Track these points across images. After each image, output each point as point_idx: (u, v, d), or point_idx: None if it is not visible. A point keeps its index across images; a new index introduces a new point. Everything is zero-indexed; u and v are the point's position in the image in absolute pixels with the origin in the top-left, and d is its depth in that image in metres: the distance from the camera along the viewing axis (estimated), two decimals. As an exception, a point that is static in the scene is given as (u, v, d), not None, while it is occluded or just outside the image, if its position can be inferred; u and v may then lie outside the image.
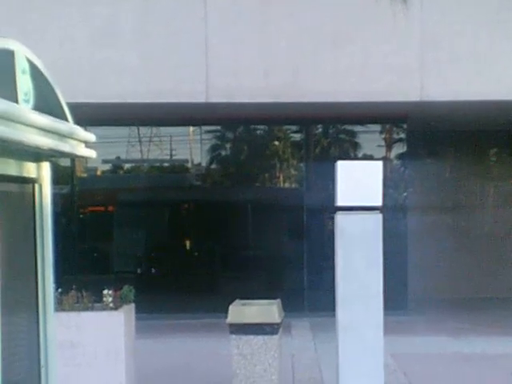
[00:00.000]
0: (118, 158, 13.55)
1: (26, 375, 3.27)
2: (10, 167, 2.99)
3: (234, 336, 7.14)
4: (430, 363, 8.80)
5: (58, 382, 3.45)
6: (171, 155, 13.55)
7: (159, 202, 12.91)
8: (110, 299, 7.23)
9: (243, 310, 7.20)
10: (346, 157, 12.05)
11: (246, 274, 12.42)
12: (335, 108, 11.09)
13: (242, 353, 7.11)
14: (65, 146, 3.25)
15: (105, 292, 7.25)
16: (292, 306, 8.88)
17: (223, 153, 13.64)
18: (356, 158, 12.69)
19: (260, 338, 7.10)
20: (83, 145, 3.48)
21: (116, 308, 7.21)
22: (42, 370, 3.33)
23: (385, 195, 7.06)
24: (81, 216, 13.03)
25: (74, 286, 7.27)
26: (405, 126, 12.88)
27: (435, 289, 13.69)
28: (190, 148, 13.34)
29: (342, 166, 7.09)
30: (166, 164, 13.91)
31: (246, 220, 12.94)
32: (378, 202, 6.98)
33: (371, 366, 6.94)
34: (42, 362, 3.33)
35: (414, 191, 13.23)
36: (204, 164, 13.40)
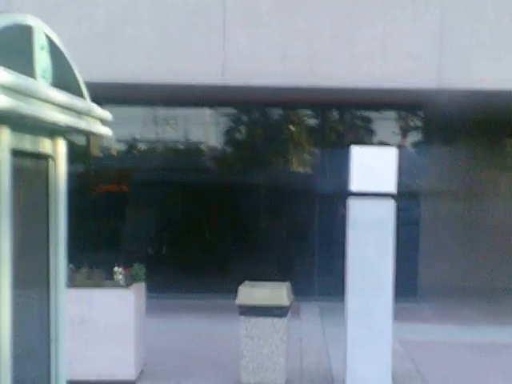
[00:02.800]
0: (133, 137, 13.57)
1: (36, 348, 3.31)
2: (26, 142, 3.00)
3: (242, 317, 7.18)
4: (438, 351, 8.82)
5: (68, 356, 3.48)
6: (186, 136, 13.56)
7: (172, 182, 12.93)
8: (121, 277, 7.29)
9: (253, 292, 7.24)
10: (361, 143, 11.99)
11: (256, 257, 12.44)
12: (351, 93, 11.04)
13: (250, 334, 7.16)
14: (81, 123, 3.25)
15: (116, 270, 7.30)
16: (302, 289, 8.92)
17: (238, 135, 13.63)
18: (371, 144, 12.64)
19: (269, 320, 7.14)
20: (99, 122, 3.49)
21: (127, 286, 7.26)
22: (52, 344, 3.36)
23: (398, 182, 7.04)
24: (94, 194, 13.08)
25: (85, 263, 7.33)
26: (421, 113, 12.81)
27: (446, 277, 13.67)
28: (205, 130, 13.35)
29: (356, 151, 7.08)
30: (180, 145, 13.91)
31: (259, 203, 12.96)
32: (392, 189, 6.97)
33: (379, 352, 6.97)
34: (52, 336, 3.36)
35: (428, 179, 13.16)
36: (218, 146, 13.41)
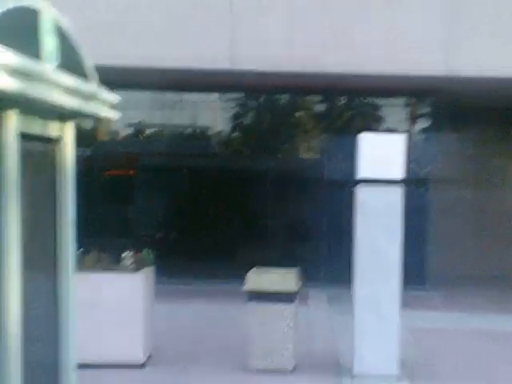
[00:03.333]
0: (141, 122, 13.57)
1: (45, 332, 3.33)
2: (35, 126, 3.01)
3: (251, 303, 7.20)
4: (446, 338, 8.82)
5: (77, 339, 3.50)
6: (193, 121, 13.55)
7: (180, 167, 12.93)
8: (130, 261, 7.31)
9: (261, 278, 7.25)
10: (370, 129, 11.95)
11: (264, 243, 12.46)
12: (360, 80, 10.99)
13: (258, 320, 7.18)
14: (88, 107, 3.26)
15: (124, 254, 7.32)
16: (310, 276, 8.90)
17: (245, 121, 13.61)
18: (379, 131, 12.58)
19: (276, 306, 7.15)
20: (107, 106, 3.49)
21: (135, 270, 7.28)
22: (62, 328, 3.38)
23: (407, 169, 7.02)
24: (102, 179, 13.09)
25: (94, 247, 7.35)
26: (430, 100, 12.74)
27: (455, 265, 13.64)
28: (213, 115, 13.34)
29: (364, 138, 7.06)
30: (187, 130, 13.90)
31: (267, 189, 12.95)
32: (400, 176, 6.95)
33: (387, 339, 6.98)
34: (62, 320, 3.38)
35: (437, 166, 13.11)
36: (226, 131, 13.40)
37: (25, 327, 2.79)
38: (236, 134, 13.72)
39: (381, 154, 6.92)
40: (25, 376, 2.75)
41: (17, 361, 2.73)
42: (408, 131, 12.66)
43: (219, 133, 13.47)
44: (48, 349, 3.36)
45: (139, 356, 7.18)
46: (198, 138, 13.69)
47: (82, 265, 7.00)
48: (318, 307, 10.53)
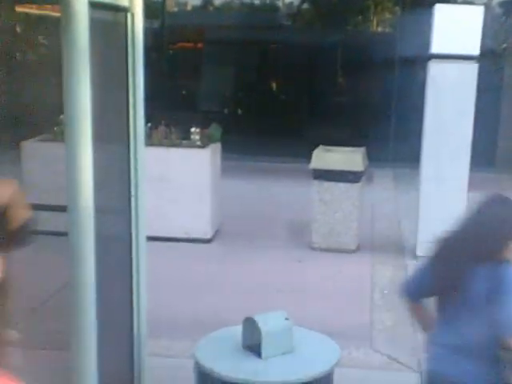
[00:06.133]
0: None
1: (117, 202, 3.39)
2: (103, -6, 2.93)
3: (316, 181, 7.20)
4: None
5: (147, 211, 3.56)
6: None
7: (249, 41, 12.59)
8: (198, 137, 7.34)
9: (327, 156, 7.21)
10: (445, 1, 11.33)
11: (332, 121, 12.25)
12: None
13: (322, 199, 7.19)
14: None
15: (192, 130, 7.34)
16: (377, 155, 8.76)
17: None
18: (456, 3, 11.95)
19: (342, 185, 7.14)
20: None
21: (203, 146, 7.32)
22: (132, 199, 3.43)
23: (483, 44, 6.71)
24: (170, 52, 12.92)
25: (162, 122, 7.38)
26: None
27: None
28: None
29: (440, 9, 6.74)
30: (256, 2, 13.45)
31: (336, 64, 12.59)
32: (475, 51, 6.67)
33: (452, 220, 6.91)
34: (132, 192, 3.43)
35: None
36: (296, 2, 12.91)
37: (96, 200, 2.83)
38: (306, 5, 13.21)
39: (457, 26, 6.61)
40: (97, 246, 2.82)
41: (89, 232, 2.80)
42: (487, 3, 11.98)
43: (289, 4, 13.01)
44: (119, 220, 3.43)
45: (207, 230, 7.34)
46: (267, 10, 13.25)
47: (150, 140, 7.06)
48: (383, 187, 10.46)
